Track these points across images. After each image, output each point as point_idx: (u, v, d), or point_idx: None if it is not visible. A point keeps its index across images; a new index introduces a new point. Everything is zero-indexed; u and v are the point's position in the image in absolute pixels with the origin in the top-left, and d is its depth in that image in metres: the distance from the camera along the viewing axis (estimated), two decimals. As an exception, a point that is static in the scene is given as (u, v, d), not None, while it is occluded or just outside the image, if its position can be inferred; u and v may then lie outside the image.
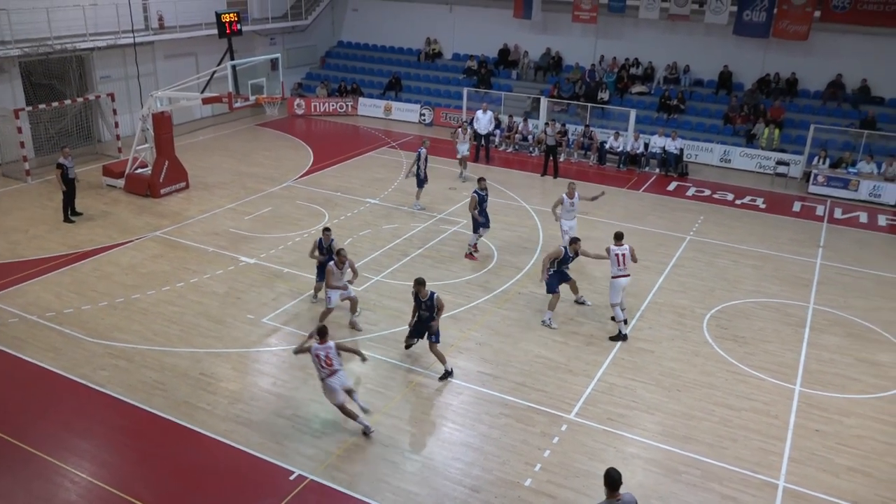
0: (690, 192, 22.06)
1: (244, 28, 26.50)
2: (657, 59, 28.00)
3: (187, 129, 26.77)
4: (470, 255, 16.28)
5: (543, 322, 13.53)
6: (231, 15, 24.91)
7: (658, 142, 23.95)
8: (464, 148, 21.88)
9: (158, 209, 18.91)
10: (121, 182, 20.19)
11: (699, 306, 14.57)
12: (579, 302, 14.34)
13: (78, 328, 12.85)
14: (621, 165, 24.23)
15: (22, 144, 20.48)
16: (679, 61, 27.55)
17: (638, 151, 24.12)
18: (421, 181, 19.07)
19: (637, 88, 27.77)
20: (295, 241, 17.03)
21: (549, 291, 13.48)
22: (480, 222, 16.13)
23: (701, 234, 18.44)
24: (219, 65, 24.23)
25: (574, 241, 13.41)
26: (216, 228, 17.51)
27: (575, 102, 27.21)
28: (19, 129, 20.32)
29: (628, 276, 13.20)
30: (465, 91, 27.52)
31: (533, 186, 21.91)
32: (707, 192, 21.98)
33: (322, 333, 10.16)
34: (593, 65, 28.59)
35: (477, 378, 11.88)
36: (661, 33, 27.59)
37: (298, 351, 10.51)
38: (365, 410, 10.52)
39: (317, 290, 14.07)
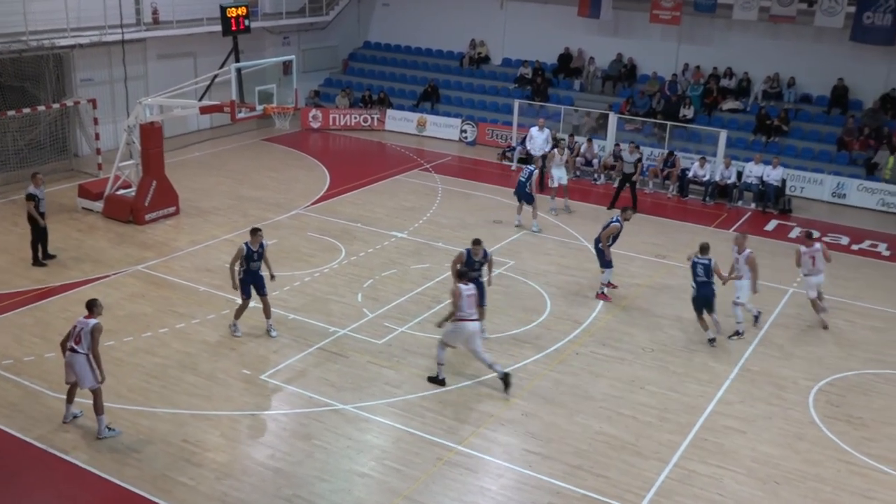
0: (794, 233, 21.81)
1: (253, 24, 27.16)
2: (754, 70, 27.98)
3: (180, 144, 27.40)
4: (603, 295, 17.01)
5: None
6: (239, 9, 25.59)
7: (754, 170, 23.81)
8: (560, 174, 22.31)
9: (142, 238, 19.29)
10: (99, 205, 20.67)
11: (804, 377, 14.29)
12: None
13: (39, 380, 13.06)
14: (708, 198, 24.10)
15: (-15, 157, 21.11)
16: (782, 72, 27.49)
17: (729, 181, 23.99)
18: (530, 198, 20.31)
19: (729, 104, 27.73)
20: (304, 280, 17.21)
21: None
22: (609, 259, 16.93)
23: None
24: (221, 67, 24.83)
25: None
26: (209, 264, 17.78)
27: (651, 120, 27.26)
28: (-17, 140, 20.97)
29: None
30: (516, 104, 27.78)
31: (598, 220, 21.83)
32: (815, 234, 21.65)
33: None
34: (675, 75, 28.67)
35: (522, 458, 11.75)
36: (760, 38, 27.60)
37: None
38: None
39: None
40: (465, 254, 14.41)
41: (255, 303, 14.76)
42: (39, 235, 17.58)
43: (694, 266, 15.06)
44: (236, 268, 14.45)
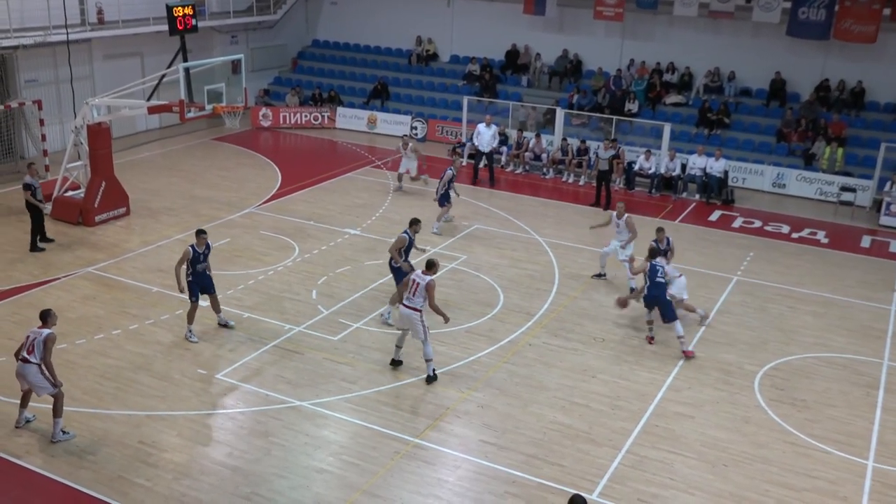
0: (737, 222, 22.20)
1: (200, 24, 26.78)
2: (696, 65, 28.40)
3: (129, 144, 26.95)
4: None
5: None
6: (185, 8, 25.23)
7: (698, 162, 24.17)
8: (411, 165, 23.17)
9: (92, 240, 18.94)
10: (47, 207, 20.20)
11: (749, 362, 14.56)
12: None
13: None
14: (653, 190, 24.41)
15: (-72, 160, 20.57)
16: (722, 67, 27.95)
17: (674, 173, 24.32)
18: (443, 200, 20.13)
19: (672, 98, 28.11)
20: (258, 279, 17.04)
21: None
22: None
23: (750, 273, 18.51)
24: (169, 67, 24.46)
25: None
26: (161, 264, 17.51)
27: (597, 115, 27.52)
28: (-74, 143, 20.43)
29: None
30: (465, 100, 27.85)
31: (546, 215, 22.04)
32: (757, 224, 22.13)
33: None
34: (619, 70, 28.98)
35: (478, 449, 11.80)
36: (701, 33, 28.03)
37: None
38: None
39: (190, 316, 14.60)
40: (405, 237, 15.07)
41: (204, 302, 14.61)
42: (37, 223, 18.21)
43: (653, 268, 14.75)
44: (182, 269, 14.27)
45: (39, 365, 11.29)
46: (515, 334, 15.19)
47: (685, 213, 22.90)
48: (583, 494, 8.31)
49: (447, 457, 11.61)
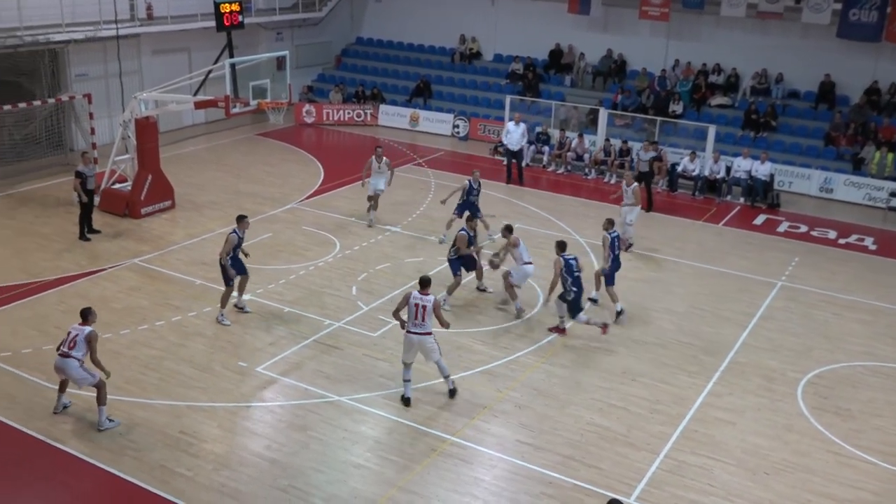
0: (782, 227, 21.87)
1: (247, 20, 27.12)
2: (743, 66, 28.01)
3: (176, 138, 27.31)
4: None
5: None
6: (232, 5, 25.53)
7: (743, 165, 23.85)
8: (380, 182, 19.98)
9: (138, 232, 19.23)
10: (95, 199, 20.57)
11: (792, 369, 14.34)
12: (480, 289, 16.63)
13: (37, 372, 13.01)
14: (697, 193, 24.14)
15: (-19, 152, 21.06)
16: (770, 68, 27.54)
17: (718, 176, 24.03)
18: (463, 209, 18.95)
19: (717, 100, 27.76)
20: (299, 274, 17.18)
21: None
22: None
23: (795, 279, 18.22)
24: (215, 63, 24.76)
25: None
26: (205, 257, 17.72)
27: (641, 116, 27.27)
28: (-21, 134, 20.92)
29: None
30: (507, 99, 27.74)
31: (587, 216, 21.88)
32: (803, 228, 21.77)
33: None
34: (664, 70, 28.69)
35: (515, 448, 11.78)
36: (748, 34, 27.64)
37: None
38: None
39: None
40: (465, 235, 15.59)
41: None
42: (86, 211, 18.54)
43: (613, 241, 15.78)
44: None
45: (80, 361, 11.48)
46: (554, 335, 15.12)
47: (729, 216, 22.60)
48: (620, 498, 8.23)
49: (483, 455, 11.60)
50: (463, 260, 15.96)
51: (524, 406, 12.81)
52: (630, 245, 19.10)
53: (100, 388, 11.66)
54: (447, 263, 16.23)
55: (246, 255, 15.19)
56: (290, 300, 15.98)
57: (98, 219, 19.37)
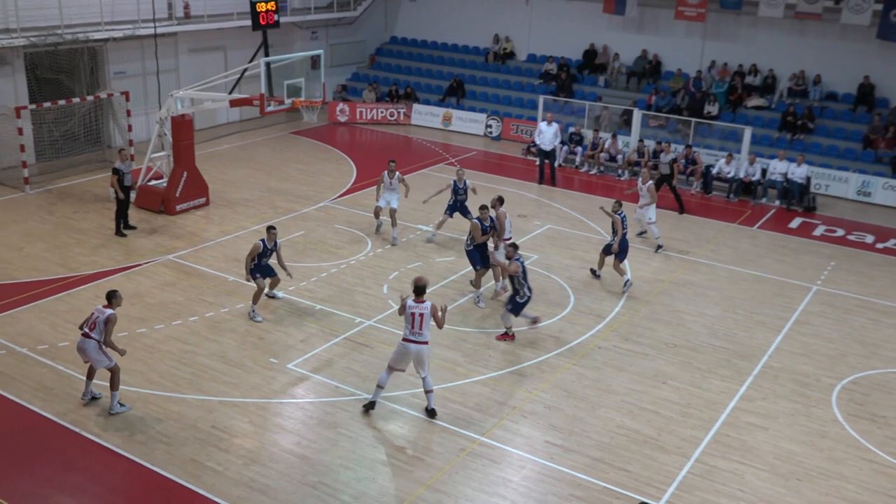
0: (819, 230, 21.57)
1: (282, 19, 27.28)
2: (780, 67, 27.67)
3: (210, 136, 27.61)
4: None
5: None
6: (268, 4, 25.71)
7: (779, 167, 23.57)
8: (392, 197, 19.10)
9: (173, 229, 19.46)
10: (132, 195, 20.83)
11: (827, 375, 14.14)
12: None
13: (73, 365, 13.18)
14: (732, 195, 23.90)
15: (22, 148, 21.40)
16: (808, 70, 27.18)
17: (753, 178, 23.77)
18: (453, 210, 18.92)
19: (754, 102, 27.46)
20: (331, 272, 17.26)
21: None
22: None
23: (831, 283, 17.97)
24: (251, 61, 24.94)
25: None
26: (238, 254, 17.88)
27: (675, 117, 27.04)
28: (20, 130, 21.26)
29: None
30: (541, 99, 27.65)
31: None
32: (840, 232, 21.46)
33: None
34: (699, 72, 28.43)
35: (544, 450, 11.74)
36: (786, 35, 27.30)
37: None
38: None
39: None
40: (478, 223, 15.94)
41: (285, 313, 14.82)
42: (122, 208, 18.75)
43: (623, 220, 16.84)
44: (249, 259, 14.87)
45: (98, 342, 11.74)
46: (585, 336, 15.05)
47: (764, 219, 22.34)
48: (650, 502, 8.16)
49: (512, 456, 11.58)
50: (480, 250, 16.18)
51: (554, 407, 12.77)
52: (659, 247, 19.23)
53: (114, 373, 11.91)
54: (466, 256, 16.49)
55: (290, 276, 15.41)
56: (321, 298, 16.07)
57: (134, 215, 19.62)
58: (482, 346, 14.20)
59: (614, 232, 16.98)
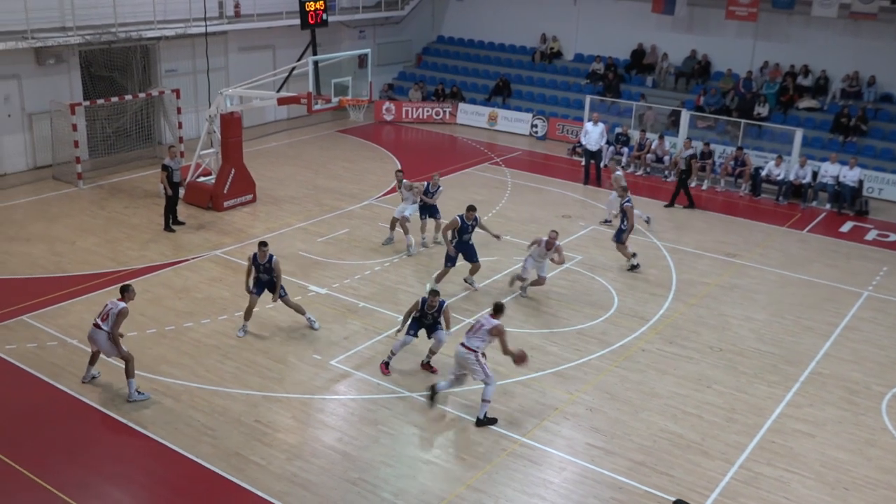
0: (871, 235, 21.11)
1: (330, 18, 27.47)
2: (833, 68, 27.13)
3: (258, 134, 27.92)
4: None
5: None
6: (317, 3, 25.90)
7: (831, 170, 23.12)
8: (410, 209, 18.47)
9: (220, 225, 19.72)
10: (180, 191, 21.17)
11: (877, 383, 13.83)
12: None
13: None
14: (781, 198, 23.50)
15: (76, 144, 21.87)
16: (861, 71, 26.61)
17: (804, 181, 23.34)
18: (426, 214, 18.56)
19: (805, 103, 26.96)
20: (374, 270, 17.35)
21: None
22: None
23: (883, 289, 17.58)
24: (299, 60, 25.16)
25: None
26: (283, 251, 18.05)
27: (725, 118, 26.67)
28: (74, 127, 21.72)
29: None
30: (587, 99, 27.47)
31: (669, 219, 21.53)
32: (893, 237, 20.97)
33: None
34: (750, 72, 28.00)
35: (585, 452, 11.67)
36: (840, 35, 26.75)
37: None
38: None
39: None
40: (458, 220, 16.01)
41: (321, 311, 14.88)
42: (171, 204, 19.04)
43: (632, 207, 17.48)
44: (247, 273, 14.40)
45: (109, 333, 12.12)
46: (628, 339, 14.92)
47: (814, 222, 21.92)
48: (685, 500, 8.01)
49: (553, 457, 11.53)
50: (464, 248, 16.29)
51: (596, 409, 12.68)
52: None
53: (128, 361, 12.25)
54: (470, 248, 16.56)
55: (273, 300, 14.45)
56: (364, 295, 16.16)
57: (183, 211, 19.93)
58: (525, 347, 14.11)
59: (624, 219, 17.58)
